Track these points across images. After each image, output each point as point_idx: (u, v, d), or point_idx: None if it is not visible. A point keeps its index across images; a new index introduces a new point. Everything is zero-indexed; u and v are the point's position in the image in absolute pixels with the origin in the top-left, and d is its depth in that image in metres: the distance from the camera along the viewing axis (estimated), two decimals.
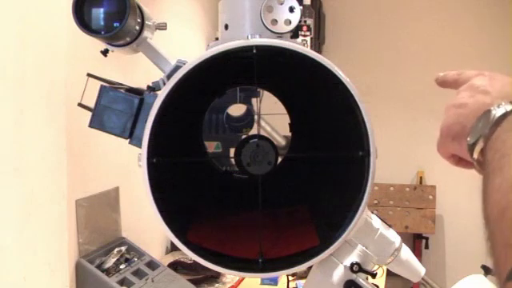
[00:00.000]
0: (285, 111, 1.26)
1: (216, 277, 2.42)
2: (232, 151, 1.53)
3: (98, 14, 0.88)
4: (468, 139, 0.60)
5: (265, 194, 0.85)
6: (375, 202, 3.79)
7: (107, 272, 1.94)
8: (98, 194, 2.04)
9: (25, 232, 1.65)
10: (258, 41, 0.82)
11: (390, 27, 3.93)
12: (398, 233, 1.06)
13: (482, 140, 0.57)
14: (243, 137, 1.20)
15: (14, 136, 1.60)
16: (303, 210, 1.05)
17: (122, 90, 0.94)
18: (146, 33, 0.94)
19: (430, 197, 3.80)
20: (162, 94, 0.82)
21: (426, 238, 3.79)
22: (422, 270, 1.08)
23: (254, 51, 0.81)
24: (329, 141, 1.03)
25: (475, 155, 0.59)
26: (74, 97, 1.05)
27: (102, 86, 0.94)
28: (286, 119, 1.28)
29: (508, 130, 0.54)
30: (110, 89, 0.94)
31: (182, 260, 2.47)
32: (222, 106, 1.34)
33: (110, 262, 1.98)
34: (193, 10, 3.13)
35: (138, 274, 2.06)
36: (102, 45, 0.95)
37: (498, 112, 0.57)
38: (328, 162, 0.98)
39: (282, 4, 0.84)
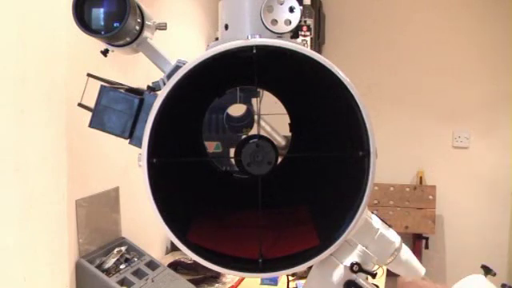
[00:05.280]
0: (285, 111, 1.26)
1: (216, 277, 2.42)
2: (232, 151, 1.53)
3: (98, 14, 0.88)
4: None
5: (265, 193, 0.85)
6: (375, 202, 3.78)
7: (107, 272, 1.94)
8: (97, 194, 2.04)
9: (25, 232, 1.65)
10: (258, 41, 0.82)
11: (390, 27, 3.93)
12: (397, 233, 1.06)
13: None
14: (243, 137, 1.20)
15: (15, 136, 1.60)
16: (303, 210, 1.05)
17: (122, 90, 0.94)
18: (145, 33, 0.94)
19: (430, 197, 3.80)
20: (162, 94, 0.82)
21: (426, 238, 3.79)
22: (421, 270, 1.08)
23: (254, 51, 0.81)
24: (329, 141, 1.03)
25: None
26: (74, 97, 1.05)
27: (101, 86, 0.94)
28: (286, 119, 1.28)
29: None
30: (110, 89, 0.94)
31: (182, 260, 2.46)
32: (222, 106, 1.34)
33: (110, 262, 1.98)
34: (193, 10, 3.13)
35: (138, 274, 2.05)
36: (102, 45, 0.95)
37: None
38: (328, 161, 0.98)
39: (282, 4, 0.84)
